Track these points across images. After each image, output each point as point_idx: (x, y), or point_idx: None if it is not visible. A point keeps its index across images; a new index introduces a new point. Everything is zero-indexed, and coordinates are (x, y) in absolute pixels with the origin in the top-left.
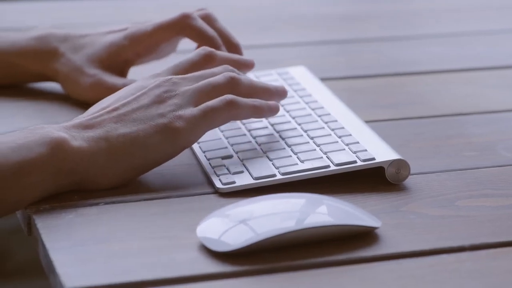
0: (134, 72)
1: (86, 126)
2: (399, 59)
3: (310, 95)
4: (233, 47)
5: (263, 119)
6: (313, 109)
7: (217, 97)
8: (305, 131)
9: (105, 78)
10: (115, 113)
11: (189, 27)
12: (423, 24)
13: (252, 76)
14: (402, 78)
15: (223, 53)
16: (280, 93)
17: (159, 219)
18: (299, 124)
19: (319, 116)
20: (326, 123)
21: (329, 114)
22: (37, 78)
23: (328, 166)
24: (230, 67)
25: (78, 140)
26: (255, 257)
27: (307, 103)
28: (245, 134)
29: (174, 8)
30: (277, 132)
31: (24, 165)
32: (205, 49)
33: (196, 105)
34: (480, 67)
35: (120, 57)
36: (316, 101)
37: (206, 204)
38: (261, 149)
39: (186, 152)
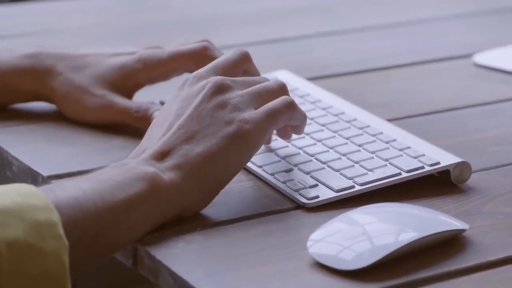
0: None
1: (162, 155)
2: (355, 55)
3: (320, 101)
4: None
5: None
6: (335, 115)
7: (271, 101)
8: (347, 138)
9: (116, 99)
10: (182, 132)
11: (209, 58)
12: (349, 17)
13: None
14: (373, 74)
15: None
16: None
17: (263, 240)
18: (335, 132)
19: (348, 122)
20: (360, 128)
21: (356, 119)
22: (29, 98)
23: (400, 174)
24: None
25: (165, 172)
26: (378, 273)
27: (324, 109)
28: (288, 146)
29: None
30: (319, 140)
31: (130, 200)
32: (241, 49)
33: (255, 108)
34: (434, 58)
35: (132, 80)
36: (331, 106)
37: (299, 220)
38: (318, 159)
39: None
